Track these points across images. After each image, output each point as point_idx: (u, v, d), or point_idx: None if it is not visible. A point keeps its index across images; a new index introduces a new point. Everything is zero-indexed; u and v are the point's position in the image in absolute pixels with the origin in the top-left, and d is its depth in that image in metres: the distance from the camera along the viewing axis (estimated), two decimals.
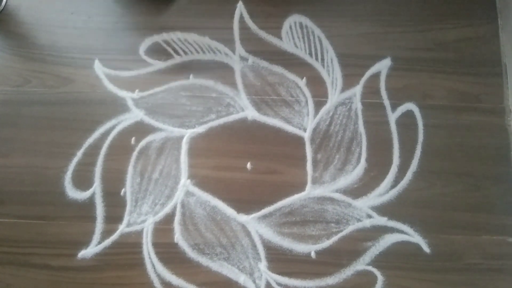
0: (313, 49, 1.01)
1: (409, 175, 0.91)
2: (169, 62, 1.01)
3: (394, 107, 0.96)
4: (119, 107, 0.98)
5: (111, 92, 1.00)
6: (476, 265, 0.85)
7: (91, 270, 0.88)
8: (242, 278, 0.86)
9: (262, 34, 1.02)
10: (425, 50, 1.00)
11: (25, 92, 1.00)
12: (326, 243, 0.87)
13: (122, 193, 0.92)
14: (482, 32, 1.01)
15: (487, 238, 0.87)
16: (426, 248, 0.87)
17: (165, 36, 1.03)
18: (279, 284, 0.85)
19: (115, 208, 0.91)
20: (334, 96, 0.97)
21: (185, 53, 1.02)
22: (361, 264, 0.86)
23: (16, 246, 0.90)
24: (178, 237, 0.89)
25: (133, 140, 0.96)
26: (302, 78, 0.99)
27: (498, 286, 0.84)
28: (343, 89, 0.98)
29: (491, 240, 0.87)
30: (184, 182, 0.93)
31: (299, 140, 0.95)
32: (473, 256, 0.86)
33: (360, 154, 0.93)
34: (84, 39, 1.04)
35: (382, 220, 0.88)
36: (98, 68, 1.02)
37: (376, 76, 0.99)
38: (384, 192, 0.90)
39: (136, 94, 0.99)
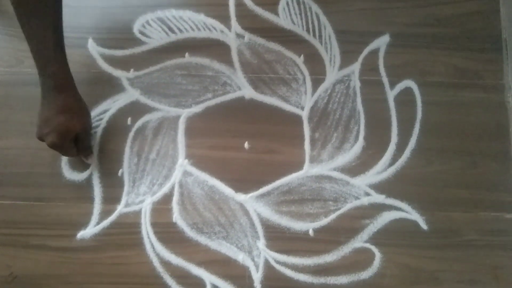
0: (310, 26, 0.99)
1: (407, 152, 0.91)
2: (164, 40, 1.00)
3: (392, 85, 0.95)
4: (114, 87, 0.97)
5: (105, 72, 0.98)
6: (473, 242, 0.86)
7: (91, 251, 0.88)
8: (241, 256, 0.87)
9: (259, 10, 1.00)
10: (424, 26, 0.99)
11: (18, 72, 0.99)
12: (324, 221, 0.88)
13: (119, 173, 0.92)
14: (483, 7, 1.00)
15: (484, 214, 0.88)
16: (423, 225, 0.87)
17: (159, 13, 1.01)
18: (277, 261, 0.86)
19: (113, 189, 0.91)
20: (332, 74, 0.96)
21: (180, 31, 1.00)
22: (359, 242, 0.87)
23: (15, 227, 0.90)
24: (177, 216, 0.89)
25: (129, 120, 0.95)
26: (299, 56, 0.97)
27: (496, 262, 0.85)
28: (341, 67, 0.97)
29: (488, 216, 0.87)
30: (182, 162, 0.92)
31: (297, 119, 0.94)
32: (470, 232, 0.86)
33: (358, 132, 0.93)
34: (77, 18, 1.02)
35: (380, 198, 0.89)
36: (92, 47, 1.00)
37: (375, 53, 0.97)
38: (382, 170, 0.90)
39: (131, 74, 0.98)
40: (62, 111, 0.83)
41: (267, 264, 0.86)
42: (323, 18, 1.00)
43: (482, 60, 0.96)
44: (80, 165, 0.93)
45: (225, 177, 0.91)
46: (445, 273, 0.85)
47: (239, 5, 1.01)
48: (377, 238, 0.87)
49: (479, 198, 0.88)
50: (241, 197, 0.90)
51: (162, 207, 0.90)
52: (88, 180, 0.92)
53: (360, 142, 0.92)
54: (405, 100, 0.94)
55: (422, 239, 0.86)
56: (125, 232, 0.89)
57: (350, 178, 0.90)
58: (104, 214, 0.90)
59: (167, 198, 0.91)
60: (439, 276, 0.85)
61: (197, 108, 0.96)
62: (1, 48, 1.01)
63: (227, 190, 0.91)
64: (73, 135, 0.85)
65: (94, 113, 0.95)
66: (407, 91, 0.95)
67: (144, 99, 0.96)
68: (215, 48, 0.99)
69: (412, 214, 0.88)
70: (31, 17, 0.79)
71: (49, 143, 0.83)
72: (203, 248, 0.87)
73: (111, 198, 0.91)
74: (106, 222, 0.90)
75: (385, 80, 0.95)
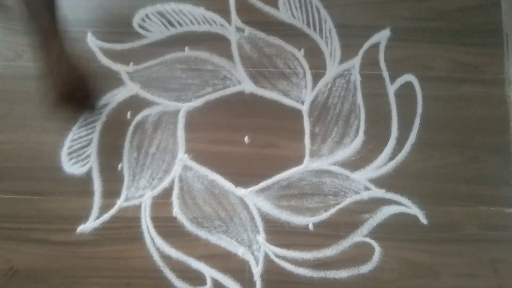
0: (311, 20, 0.98)
1: (407, 147, 0.91)
2: (164, 34, 0.99)
3: (393, 79, 0.95)
4: (114, 81, 0.97)
5: (105, 66, 0.98)
6: (473, 236, 0.86)
7: (91, 245, 0.88)
8: (240, 251, 0.87)
9: (259, 4, 1.00)
10: (425, 20, 0.98)
11: (16, 66, 0.98)
12: (324, 216, 0.88)
13: (119, 167, 0.92)
14: (484, 1, 0.99)
15: (484, 209, 0.88)
16: (423, 220, 0.87)
17: (159, 7, 1.00)
18: (277, 256, 0.86)
19: (113, 183, 0.91)
20: (332, 68, 0.96)
21: (180, 24, 0.99)
22: (359, 236, 0.87)
23: (16, 221, 0.90)
24: (177, 211, 0.89)
25: (128, 114, 0.95)
26: (300, 50, 0.97)
27: (495, 256, 0.85)
28: (342, 61, 0.96)
29: (488, 211, 0.88)
30: (182, 157, 0.92)
31: (297, 113, 0.94)
32: (470, 227, 0.87)
33: (358, 126, 0.92)
34: (76, 12, 1.01)
35: (380, 192, 0.89)
36: (91, 41, 1.00)
37: (375, 47, 0.97)
38: (382, 164, 0.90)
39: (131, 68, 0.97)
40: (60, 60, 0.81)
41: (267, 258, 0.86)
42: (323, 12, 0.99)
43: (482, 55, 0.96)
44: (80, 159, 0.93)
45: (225, 172, 0.91)
46: (444, 267, 0.85)
47: None
48: (377, 233, 0.87)
49: (479, 192, 0.88)
50: (241, 191, 0.90)
51: (162, 201, 0.90)
52: (88, 174, 0.92)
53: (360, 136, 0.92)
54: (405, 94, 0.94)
55: (422, 233, 0.87)
56: (125, 226, 0.89)
57: (350, 172, 0.90)
58: (104, 208, 0.90)
59: (167, 192, 0.91)
60: (438, 270, 0.85)
61: (197, 102, 0.95)
62: (0, 42, 1.00)
63: (227, 185, 0.91)
64: (79, 83, 0.83)
65: None
66: (408, 85, 0.95)
67: (143, 93, 0.96)
68: (215, 42, 0.98)
69: (412, 209, 0.88)
70: None
71: (60, 90, 0.80)
72: (203, 242, 0.88)
73: (111, 192, 0.91)
74: (106, 216, 0.90)
75: (385, 74, 0.95)
